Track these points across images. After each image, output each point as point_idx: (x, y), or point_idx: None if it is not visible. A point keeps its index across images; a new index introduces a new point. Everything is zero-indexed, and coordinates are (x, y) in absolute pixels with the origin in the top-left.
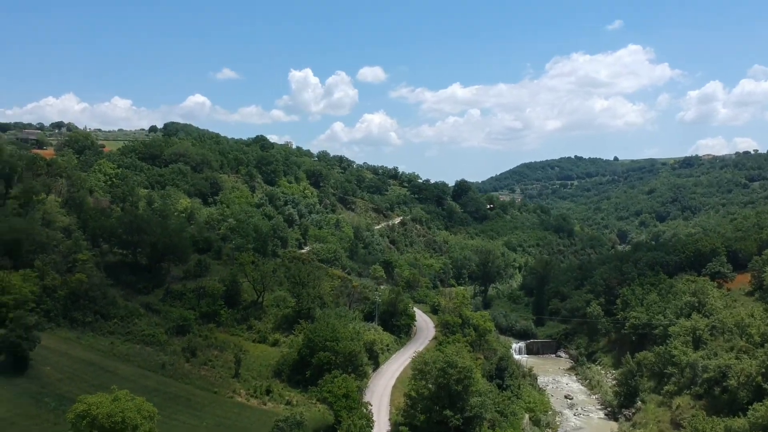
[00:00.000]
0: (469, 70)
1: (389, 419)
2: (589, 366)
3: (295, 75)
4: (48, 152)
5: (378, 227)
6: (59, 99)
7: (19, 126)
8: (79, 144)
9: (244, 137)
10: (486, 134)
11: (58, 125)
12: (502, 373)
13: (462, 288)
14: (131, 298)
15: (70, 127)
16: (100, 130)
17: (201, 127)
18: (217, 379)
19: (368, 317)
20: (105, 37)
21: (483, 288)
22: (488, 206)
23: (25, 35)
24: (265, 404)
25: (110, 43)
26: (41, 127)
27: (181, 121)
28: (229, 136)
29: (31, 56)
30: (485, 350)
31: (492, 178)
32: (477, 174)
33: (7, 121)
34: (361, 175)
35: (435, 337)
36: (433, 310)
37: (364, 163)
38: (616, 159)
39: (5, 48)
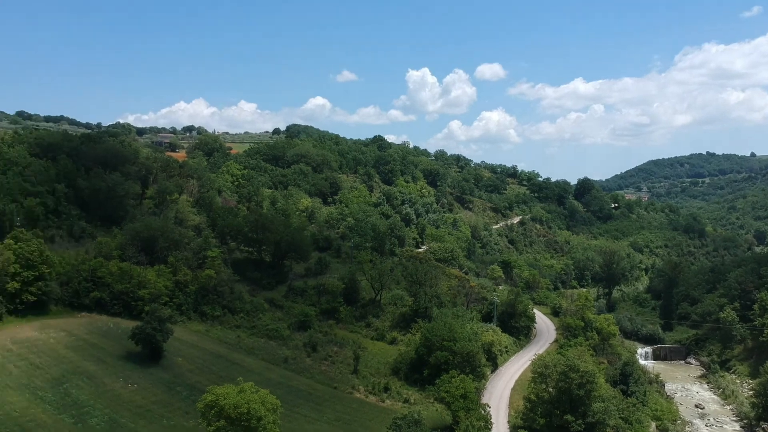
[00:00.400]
0: (592, 65)
1: (508, 422)
2: (722, 374)
3: (413, 75)
4: (180, 155)
5: (496, 227)
6: (190, 104)
7: (154, 130)
8: (209, 146)
9: (363, 138)
10: (610, 130)
11: (189, 129)
12: (626, 378)
13: (584, 290)
14: (256, 293)
15: (200, 131)
16: (227, 133)
17: (321, 129)
18: (336, 374)
19: (486, 318)
20: (232, 44)
21: (607, 290)
22: (612, 205)
23: (160, 47)
24: (383, 401)
25: (237, 50)
26: (174, 130)
27: (303, 123)
28: (348, 137)
29: (166, 65)
30: (609, 355)
31: (616, 176)
32: (600, 172)
33: (143, 126)
34: (479, 174)
35: (556, 340)
36: (554, 313)
37: (482, 161)
38: (753, 155)
39: (143, 58)
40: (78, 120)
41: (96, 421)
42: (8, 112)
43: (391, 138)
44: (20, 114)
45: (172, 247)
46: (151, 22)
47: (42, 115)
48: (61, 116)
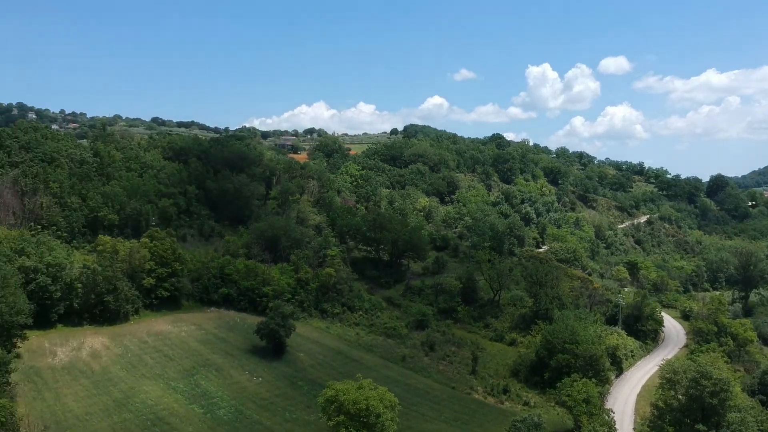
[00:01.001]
0: (726, 54)
1: (633, 429)
2: None
3: (533, 71)
4: (302, 156)
5: (621, 226)
6: (311, 107)
7: (277, 133)
8: (329, 148)
9: (481, 136)
10: (747, 124)
11: (310, 131)
12: (766, 388)
13: (718, 293)
14: (374, 292)
15: (321, 133)
16: (346, 134)
17: (438, 128)
18: (454, 374)
19: (610, 321)
20: (351, 48)
21: (743, 294)
22: (749, 203)
23: (284, 54)
24: (502, 403)
25: (357, 53)
26: (296, 133)
27: (420, 122)
28: (466, 136)
29: (289, 70)
30: (746, 362)
31: (754, 172)
32: (735, 168)
33: (268, 129)
34: (603, 172)
35: (686, 345)
36: (684, 316)
37: (606, 158)
38: None
39: (268, 65)
40: (207, 125)
41: (223, 412)
42: (145, 119)
43: (510, 136)
44: (155, 120)
45: (294, 245)
46: (275, 30)
47: (175, 121)
48: (192, 122)
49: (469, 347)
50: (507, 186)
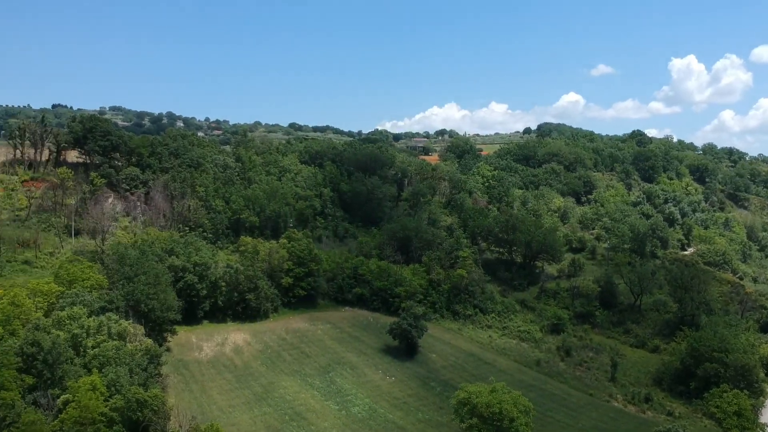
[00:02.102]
0: None
1: None
2: None
3: (676, 63)
4: (433, 158)
5: None
6: (443, 108)
7: (409, 135)
8: (460, 149)
9: (619, 133)
10: None
11: (442, 132)
12: None
13: None
14: (507, 294)
15: (452, 134)
16: (478, 134)
17: (574, 126)
18: (592, 381)
19: (765, 328)
20: (482, 47)
21: None
22: None
23: (415, 56)
24: (644, 412)
25: (487, 52)
26: (427, 135)
27: (554, 121)
28: (603, 133)
29: (421, 73)
30: None
31: None
32: None
33: (399, 132)
34: (756, 169)
35: None
36: None
37: (759, 154)
38: None
39: (400, 67)
40: (341, 129)
41: (358, 409)
42: (282, 125)
43: (651, 132)
44: (292, 125)
45: (425, 246)
46: (404, 33)
47: (310, 125)
48: (327, 126)
49: (607, 353)
50: (648, 185)
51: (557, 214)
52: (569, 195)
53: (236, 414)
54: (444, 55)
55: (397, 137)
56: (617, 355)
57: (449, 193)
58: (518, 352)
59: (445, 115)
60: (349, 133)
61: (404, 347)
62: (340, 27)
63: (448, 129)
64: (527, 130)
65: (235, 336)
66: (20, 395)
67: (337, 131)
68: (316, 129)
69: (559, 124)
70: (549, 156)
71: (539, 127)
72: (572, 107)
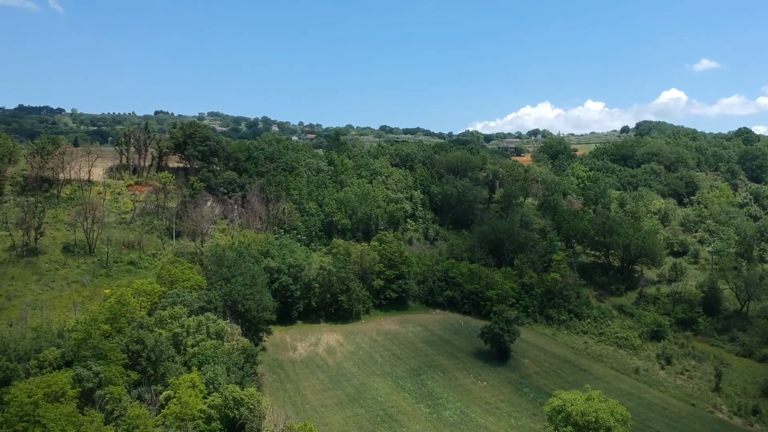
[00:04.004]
0: None
1: None
2: None
3: None
4: (525, 159)
5: None
6: (536, 107)
7: (500, 136)
8: (554, 149)
9: (724, 131)
10: None
11: (534, 132)
12: None
13: None
14: (603, 299)
15: (545, 134)
16: (572, 134)
17: (675, 124)
18: (694, 390)
19: None
20: (577, 43)
21: None
22: None
23: (507, 55)
24: (751, 425)
25: (582, 48)
26: (519, 135)
27: (654, 119)
28: (707, 131)
29: (513, 72)
30: None
31: None
32: None
33: (490, 133)
34: None
35: None
36: None
37: None
38: None
39: (492, 68)
40: (432, 131)
41: (449, 413)
42: (374, 127)
43: (760, 130)
44: (383, 128)
45: (517, 249)
46: (496, 33)
47: (401, 128)
48: (417, 128)
49: (711, 362)
50: (756, 185)
51: (657, 216)
52: (670, 196)
53: (329, 414)
54: (538, 54)
55: (488, 138)
56: (722, 364)
57: (542, 195)
58: (615, 359)
59: (538, 115)
60: (440, 135)
61: (496, 351)
62: (432, 30)
63: (541, 129)
64: (625, 129)
65: (328, 337)
66: (126, 390)
67: (427, 133)
68: (406, 131)
69: (659, 122)
70: (648, 155)
71: (638, 125)
72: (673, 104)
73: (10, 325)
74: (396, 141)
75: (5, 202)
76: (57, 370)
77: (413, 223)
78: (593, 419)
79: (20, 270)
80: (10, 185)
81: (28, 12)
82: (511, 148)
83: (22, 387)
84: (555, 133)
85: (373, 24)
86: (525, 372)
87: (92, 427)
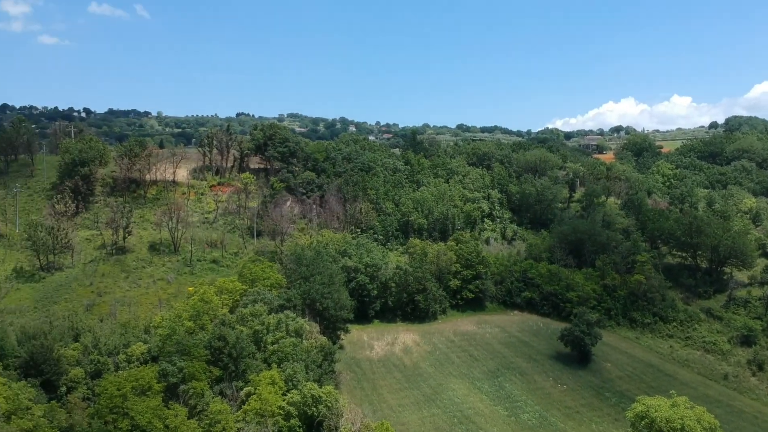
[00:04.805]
0: None
1: None
2: None
3: None
4: (608, 156)
5: None
6: (618, 103)
7: (581, 133)
8: (638, 146)
9: None
10: None
11: (617, 129)
12: None
13: None
14: (690, 301)
15: (629, 131)
16: (657, 130)
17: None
18: None
19: None
20: (662, 35)
21: None
22: None
23: (589, 50)
24: None
25: (671, 42)
26: (601, 132)
27: (745, 113)
28: None
29: (594, 67)
30: None
31: None
32: None
33: (571, 130)
34: None
35: None
36: None
37: None
38: None
39: (571, 62)
40: (509, 129)
41: (528, 416)
42: (450, 126)
43: None
44: (460, 127)
45: (599, 250)
46: (579, 26)
47: (478, 126)
48: (495, 126)
49: None
50: None
51: (748, 216)
52: (762, 195)
53: (405, 414)
54: (622, 49)
55: (568, 136)
56: None
57: (626, 194)
58: (703, 364)
59: (621, 111)
60: (518, 133)
61: (576, 355)
62: (513, 27)
63: (624, 125)
64: (713, 125)
65: (405, 336)
66: (208, 385)
67: (505, 131)
68: (483, 129)
69: (750, 117)
70: (739, 152)
71: (727, 120)
72: (766, 98)
73: (101, 321)
74: (473, 139)
75: (96, 202)
76: (144, 365)
77: (490, 223)
78: (679, 426)
79: (110, 267)
80: (101, 186)
81: (118, 20)
82: (592, 145)
83: (112, 380)
84: (639, 129)
85: (450, 22)
86: (607, 376)
87: (176, 420)
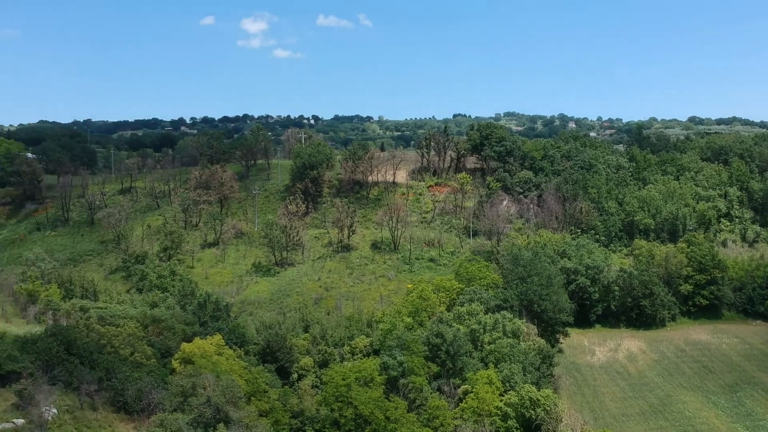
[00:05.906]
0: None
1: None
2: None
3: None
4: None
5: None
6: None
7: None
8: None
9: None
10: None
11: None
12: None
13: None
14: None
15: None
16: None
17: None
18: None
19: None
20: None
21: None
22: None
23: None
24: None
25: None
26: None
27: None
28: None
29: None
30: None
31: None
32: None
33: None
34: None
35: None
36: None
37: None
38: None
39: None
40: (751, 119)
41: None
42: (680, 119)
43: None
44: (692, 119)
45: None
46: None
47: (713, 118)
48: (733, 117)
49: None
50: None
51: None
52: None
53: (629, 424)
54: None
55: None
56: None
57: None
58: None
59: None
60: (761, 124)
61: None
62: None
63: None
64: None
65: (629, 342)
66: (427, 381)
67: (746, 122)
68: (719, 121)
69: None
70: None
71: None
72: None
73: (328, 314)
74: (707, 133)
75: (324, 203)
76: (366, 357)
77: (728, 224)
78: None
79: (336, 264)
80: (328, 188)
81: (343, 30)
82: None
83: (338, 370)
84: None
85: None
86: None
87: (397, 413)
